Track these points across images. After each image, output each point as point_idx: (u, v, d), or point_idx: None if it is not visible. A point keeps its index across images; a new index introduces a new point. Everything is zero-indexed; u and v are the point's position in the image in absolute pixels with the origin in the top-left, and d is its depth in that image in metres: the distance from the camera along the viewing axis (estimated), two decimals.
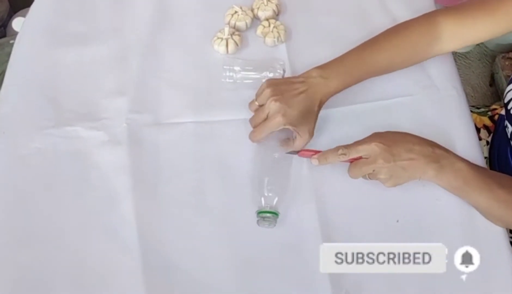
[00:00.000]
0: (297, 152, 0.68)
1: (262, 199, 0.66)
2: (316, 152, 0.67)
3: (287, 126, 0.67)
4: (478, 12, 0.70)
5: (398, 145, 0.64)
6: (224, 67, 0.78)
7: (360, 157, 0.65)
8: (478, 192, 0.64)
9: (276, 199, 0.66)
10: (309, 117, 0.68)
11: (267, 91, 0.69)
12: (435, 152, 0.65)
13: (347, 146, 0.65)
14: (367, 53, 0.73)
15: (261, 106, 0.70)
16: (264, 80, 0.71)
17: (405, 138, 0.66)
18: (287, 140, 0.70)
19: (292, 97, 0.68)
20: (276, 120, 0.66)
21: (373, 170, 0.64)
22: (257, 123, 0.70)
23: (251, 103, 0.73)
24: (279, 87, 0.69)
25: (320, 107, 0.70)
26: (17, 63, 0.84)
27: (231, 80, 0.78)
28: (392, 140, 0.65)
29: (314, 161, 0.67)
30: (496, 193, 0.63)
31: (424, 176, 0.64)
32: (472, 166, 0.65)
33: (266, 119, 0.68)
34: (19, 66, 0.84)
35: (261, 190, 0.66)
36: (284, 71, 0.78)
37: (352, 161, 0.65)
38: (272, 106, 0.67)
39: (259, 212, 0.65)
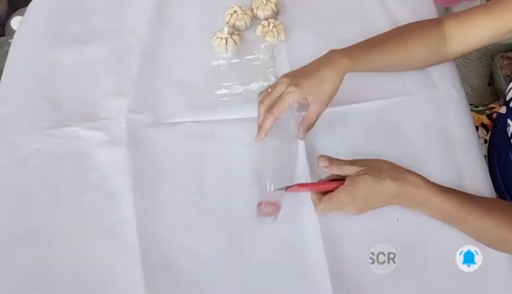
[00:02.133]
0: (285, 189, 0.62)
1: (267, 186, 0.63)
2: (310, 185, 0.64)
3: (301, 98, 0.65)
4: (481, 15, 0.71)
5: (376, 196, 0.61)
6: (216, 92, 0.77)
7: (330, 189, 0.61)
8: (460, 222, 0.63)
9: (279, 192, 0.63)
10: (325, 87, 0.66)
11: (282, 76, 0.68)
12: (411, 198, 0.62)
13: (334, 160, 0.62)
14: (382, 43, 0.73)
15: None
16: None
17: (382, 192, 0.61)
18: (303, 104, 0.68)
19: (308, 70, 0.67)
20: (289, 90, 0.65)
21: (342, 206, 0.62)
22: (268, 104, 0.67)
23: (262, 92, 0.70)
24: (294, 71, 0.69)
25: (341, 75, 0.67)
26: (15, 62, 0.84)
27: (225, 98, 0.77)
28: (369, 190, 0.60)
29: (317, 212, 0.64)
30: (479, 223, 0.62)
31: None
32: (450, 199, 0.62)
33: (280, 97, 0.66)
34: (17, 65, 0.84)
35: (265, 182, 0.64)
36: (267, 73, 0.78)
37: (322, 188, 0.62)
38: (285, 80, 0.66)
39: (260, 204, 0.63)
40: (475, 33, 0.71)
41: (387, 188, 0.61)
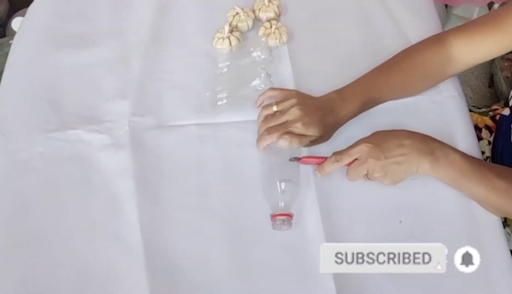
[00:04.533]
0: (299, 159, 0.68)
1: (278, 202, 0.65)
2: (318, 158, 0.68)
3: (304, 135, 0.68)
4: (486, 29, 0.70)
5: (388, 141, 0.65)
6: (218, 95, 0.77)
7: (355, 160, 0.66)
8: (476, 182, 0.64)
9: (290, 200, 0.66)
10: (327, 131, 0.70)
11: (293, 101, 0.70)
12: (428, 144, 0.65)
13: (339, 152, 0.66)
14: (382, 75, 0.74)
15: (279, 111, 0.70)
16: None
17: (395, 134, 0.67)
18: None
19: (314, 111, 0.69)
20: (296, 126, 0.67)
21: (368, 170, 0.65)
22: (272, 125, 0.69)
23: (267, 106, 0.72)
24: (304, 101, 0.70)
25: (342, 124, 0.72)
26: (16, 64, 0.84)
27: (223, 101, 0.77)
28: (381, 138, 0.66)
29: (318, 174, 0.68)
30: (494, 183, 0.64)
31: (420, 169, 0.65)
32: (467, 157, 0.65)
33: (284, 123, 0.69)
34: (17, 67, 0.83)
35: (275, 194, 0.66)
36: (269, 75, 0.78)
37: (349, 165, 0.66)
38: (296, 112, 0.68)
39: (274, 216, 0.65)
40: (485, 49, 0.71)
41: (398, 131, 0.67)
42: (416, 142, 0.65)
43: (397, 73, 0.74)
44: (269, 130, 0.69)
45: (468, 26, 0.73)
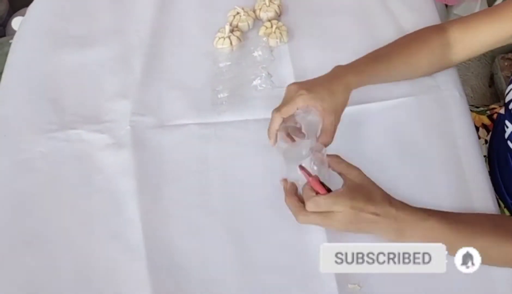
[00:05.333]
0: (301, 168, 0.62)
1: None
2: (320, 188, 0.60)
3: (312, 102, 0.63)
4: (482, 17, 0.72)
5: (363, 189, 0.60)
6: (219, 95, 0.77)
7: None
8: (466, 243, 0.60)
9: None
10: (336, 95, 0.65)
11: (291, 85, 0.66)
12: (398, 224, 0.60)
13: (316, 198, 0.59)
14: (386, 55, 0.73)
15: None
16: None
17: (374, 190, 0.61)
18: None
19: (314, 81, 0.67)
20: (301, 93, 0.63)
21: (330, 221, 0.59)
22: (277, 106, 0.66)
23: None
24: (304, 82, 0.68)
25: (349, 90, 0.67)
26: (16, 64, 0.84)
27: (224, 102, 0.77)
28: (360, 182, 0.60)
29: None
30: (485, 249, 0.60)
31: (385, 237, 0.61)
32: (449, 230, 0.60)
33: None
34: (18, 67, 0.83)
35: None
36: (270, 75, 0.78)
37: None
38: (294, 86, 0.65)
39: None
40: (480, 38, 0.72)
41: (380, 191, 0.60)
42: (393, 204, 0.59)
43: (399, 52, 0.74)
44: (275, 109, 0.65)
45: (465, 18, 0.75)
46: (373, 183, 0.61)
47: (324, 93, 0.64)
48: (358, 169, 0.61)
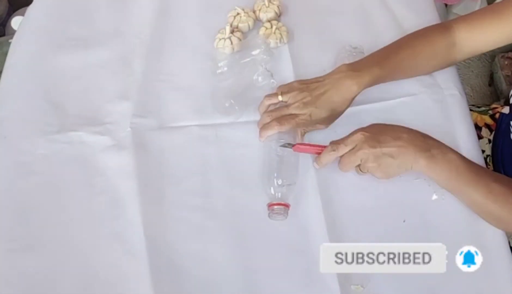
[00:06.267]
0: (292, 146, 0.67)
1: (272, 191, 0.66)
2: (311, 146, 0.68)
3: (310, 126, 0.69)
4: (487, 17, 0.72)
5: (385, 133, 0.65)
6: (219, 95, 0.77)
7: None
8: (472, 185, 0.63)
9: (286, 191, 0.66)
10: (335, 111, 0.70)
11: (296, 92, 0.70)
12: (426, 141, 0.65)
13: (336, 142, 0.66)
14: (393, 52, 0.74)
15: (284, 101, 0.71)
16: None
17: (393, 127, 0.67)
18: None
19: (319, 96, 0.69)
20: (302, 118, 0.68)
21: (361, 160, 0.64)
22: (276, 115, 0.70)
23: (271, 96, 0.72)
24: (308, 86, 0.71)
25: (351, 98, 0.71)
26: (16, 66, 0.84)
27: (229, 101, 0.76)
28: (379, 129, 0.66)
29: (316, 166, 0.68)
30: (491, 187, 0.62)
31: (416, 165, 0.63)
32: (464, 159, 0.64)
33: (291, 115, 0.69)
34: (17, 69, 0.83)
35: (271, 183, 0.66)
36: (270, 72, 0.78)
37: None
38: (301, 106, 0.69)
39: (271, 205, 0.65)
40: (486, 37, 0.72)
41: (396, 125, 0.67)
42: (414, 137, 0.65)
43: (406, 50, 0.74)
44: (279, 120, 0.69)
45: (471, 15, 0.75)
46: None
47: (324, 116, 0.70)
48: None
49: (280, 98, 0.71)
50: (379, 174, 0.65)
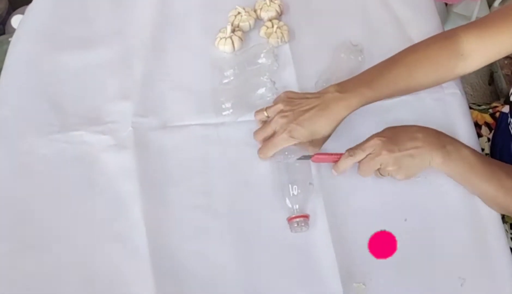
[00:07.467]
0: (310, 157, 0.67)
1: (289, 204, 0.66)
2: (330, 155, 0.68)
3: (293, 143, 0.67)
4: (499, 25, 0.68)
5: (401, 135, 0.66)
6: (220, 95, 0.77)
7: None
8: (485, 179, 0.65)
9: (302, 200, 0.66)
10: (319, 134, 0.68)
11: (279, 106, 0.69)
12: (440, 138, 0.66)
13: (353, 148, 0.66)
14: (386, 69, 0.71)
15: (269, 117, 0.70)
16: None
17: (407, 129, 0.67)
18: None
19: (302, 113, 0.67)
20: (281, 137, 0.67)
21: (381, 164, 0.65)
22: (263, 137, 0.70)
23: (259, 111, 0.72)
24: (293, 101, 0.69)
25: (337, 122, 0.68)
26: (15, 66, 0.83)
27: (230, 101, 0.76)
28: (394, 132, 0.66)
29: (334, 173, 0.68)
30: (503, 181, 0.64)
31: (432, 162, 0.65)
32: (478, 154, 0.66)
33: (272, 135, 0.69)
34: (17, 69, 0.83)
35: (286, 194, 0.66)
36: (274, 82, 0.77)
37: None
38: (279, 121, 0.68)
39: (291, 220, 0.65)
40: (499, 44, 0.68)
41: (410, 126, 0.68)
42: (428, 136, 0.66)
43: (401, 67, 0.71)
44: (260, 150, 0.70)
45: (479, 22, 0.71)
46: None
47: (306, 135, 0.68)
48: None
49: (265, 114, 0.71)
50: (400, 176, 0.66)
